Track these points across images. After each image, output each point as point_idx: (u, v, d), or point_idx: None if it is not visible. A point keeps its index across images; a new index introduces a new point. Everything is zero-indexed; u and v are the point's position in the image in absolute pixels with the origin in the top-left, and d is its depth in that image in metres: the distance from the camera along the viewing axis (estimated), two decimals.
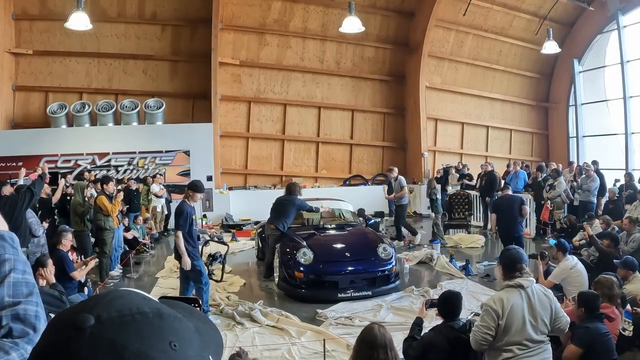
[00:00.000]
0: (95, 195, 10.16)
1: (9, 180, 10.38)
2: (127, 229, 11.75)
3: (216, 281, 8.34)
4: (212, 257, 8.44)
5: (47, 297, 4.94)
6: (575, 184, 14.02)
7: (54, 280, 5.81)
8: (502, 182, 15.89)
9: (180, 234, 7.19)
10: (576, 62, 20.55)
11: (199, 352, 0.76)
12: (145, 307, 0.74)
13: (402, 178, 13.89)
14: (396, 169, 14.24)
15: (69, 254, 7.95)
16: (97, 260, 8.66)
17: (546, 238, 13.15)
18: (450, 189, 16.76)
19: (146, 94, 17.82)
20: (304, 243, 8.94)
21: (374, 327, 3.69)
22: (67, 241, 7.73)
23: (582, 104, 20.81)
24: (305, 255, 8.61)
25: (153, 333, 0.71)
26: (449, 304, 4.40)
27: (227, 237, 14.26)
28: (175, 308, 0.85)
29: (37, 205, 9.42)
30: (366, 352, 3.57)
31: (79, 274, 7.65)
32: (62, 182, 10.73)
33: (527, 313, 3.94)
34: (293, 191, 10.14)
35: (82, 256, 8.99)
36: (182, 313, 0.84)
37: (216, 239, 8.89)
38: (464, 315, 4.47)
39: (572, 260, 7.08)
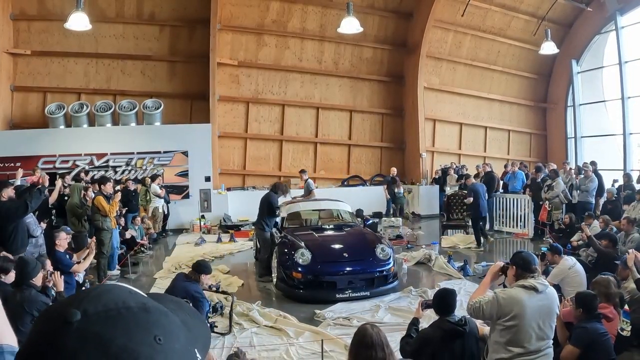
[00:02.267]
0: (93, 196, 10.13)
1: (10, 181, 10.31)
2: (124, 229, 11.74)
3: (222, 334, 6.89)
4: (213, 309, 7.34)
5: (41, 304, 4.93)
6: (575, 180, 14.02)
7: (62, 289, 5.71)
8: (501, 182, 15.96)
9: None
10: (574, 63, 20.58)
11: (185, 346, 0.76)
12: (131, 301, 0.75)
13: (310, 181, 13.85)
14: (307, 172, 14.15)
15: (68, 255, 7.92)
16: (94, 242, 8.64)
17: (544, 238, 13.19)
18: (449, 190, 16.78)
19: (144, 94, 17.80)
20: (302, 243, 8.94)
21: (367, 328, 3.69)
22: (62, 240, 7.69)
23: (580, 105, 20.85)
24: (303, 256, 8.61)
25: (139, 327, 0.72)
26: (443, 300, 4.43)
27: (225, 237, 14.28)
28: (164, 302, 0.85)
29: None
30: (364, 353, 3.57)
31: (80, 267, 7.67)
32: (59, 182, 10.71)
33: (536, 316, 3.95)
34: (273, 188, 10.50)
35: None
36: (170, 306, 0.84)
37: (214, 289, 7.74)
38: (461, 314, 4.46)
39: (570, 260, 7.08)
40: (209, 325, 6.28)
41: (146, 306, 0.75)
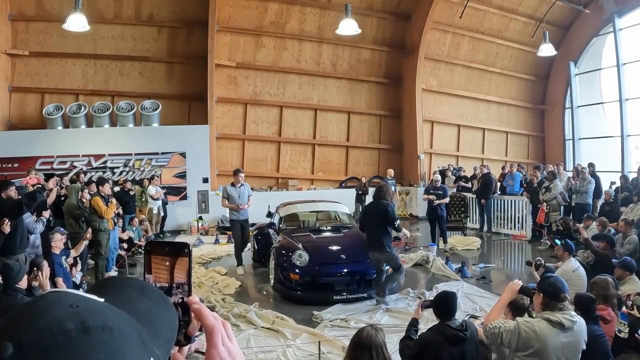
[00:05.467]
0: (90, 197, 10.09)
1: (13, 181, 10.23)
2: (122, 230, 11.74)
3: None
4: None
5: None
6: (575, 183, 14.02)
7: (48, 288, 5.67)
8: (499, 184, 15.96)
9: None
10: (572, 65, 20.60)
11: (136, 358, 0.70)
12: (69, 322, 0.66)
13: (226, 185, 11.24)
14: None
15: (64, 256, 7.90)
16: (88, 237, 8.67)
17: (542, 240, 13.20)
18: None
19: (142, 95, 17.77)
20: (300, 245, 8.94)
21: (365, 329, 3.68)
22: (57, 242, 7.67)
23: (578, 107, 20.86)
24: (300, 257, 8.60)
25: (76, 356, 0.65)
26: (444, 303, 4.38)
27: (223, 239, 14.26)
28: (123, 290, 0.81)
29: None
30: (360, 354, 3.56)
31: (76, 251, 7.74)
32: (55, 179, 10.68)
33: (559, 354, 3.79)
34: (382, 195, 8.33)
35: (78, 257, 8.95)
36: (132, 294, 0.80)
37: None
38: (460, 317, 4.45)
39: (574, 263, 7.06)
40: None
41: (86, 326, 0.67)
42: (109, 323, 0.69)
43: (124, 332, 0.70)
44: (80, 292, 0.75)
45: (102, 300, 0.75)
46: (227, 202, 10.58)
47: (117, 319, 0.71)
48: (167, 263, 1.00)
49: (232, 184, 10.61)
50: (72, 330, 0.66)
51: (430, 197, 12.88)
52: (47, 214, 9.14)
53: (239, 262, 10.71)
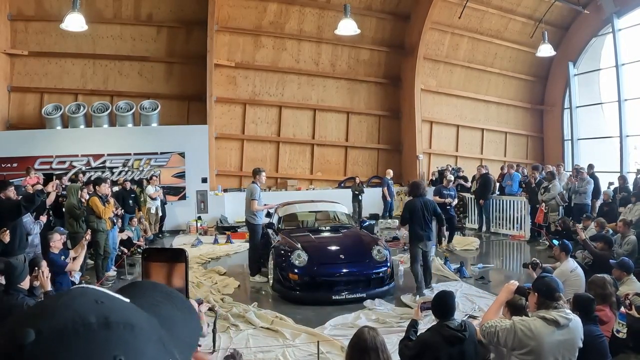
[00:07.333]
0: (88, 197, 10.09)
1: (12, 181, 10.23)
2: (121, 230, 11.73)
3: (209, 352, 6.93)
4: None
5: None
6: (574, 183, 14.03)
7: (49, 287, 5.67)
8: (498, 184, 15.97)
9: None
10: (571, 65, 20.61)
11: (155, 358, 0.71)
12: (92, 315, 0.68)
13: (253, 186, 10.15)
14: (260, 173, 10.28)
15: (63, 256, 7.90)
16: (87, 238, 8.65)
17: (540, 240, 13.20)
18: (445, 191, 16.77)
19: (141, 95, 17.77)
20: (299, 245, 8.94)
21: (364, 331, 3.68)
22: (56, 242, 7.66)
23: (577, 107, 20.86)
24: (299, 257, 8.60)
25: (96, 349, 0.66)
26: (443, 303, 4.38)
27: (222, 239, 14.26)
28: (149, 294, 0.82)
29: None
30: (358, 356, 3.56)
31: (75, 265, 7.69)
32: (55, 182, 10.67)
33: (555, 352, 3.80)
34: (424, 192, 9.45)
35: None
36: (157, 298, 0.82)
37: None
38: (458, 317, 4.45)
39: (573, 263, 7.05)
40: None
41: (108, 321, 0.68)
42: (131, 321, 0.71)
43: (145, 331, 0.72)
44: (107, 290, 0.77)
45: (127, 300, 0.77)
46: (256, 204, 9.88)
47: (139, 318, 0.73)
48: (164, 269, 1.01)
49: (255, 184, 10.10)
50: (94, 324, 0.67)
51: (447, 200, 12.87)
52: (44, 218, 9.15)
53: (256, 271, 10.10)
